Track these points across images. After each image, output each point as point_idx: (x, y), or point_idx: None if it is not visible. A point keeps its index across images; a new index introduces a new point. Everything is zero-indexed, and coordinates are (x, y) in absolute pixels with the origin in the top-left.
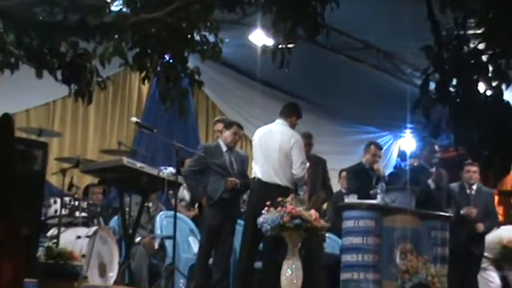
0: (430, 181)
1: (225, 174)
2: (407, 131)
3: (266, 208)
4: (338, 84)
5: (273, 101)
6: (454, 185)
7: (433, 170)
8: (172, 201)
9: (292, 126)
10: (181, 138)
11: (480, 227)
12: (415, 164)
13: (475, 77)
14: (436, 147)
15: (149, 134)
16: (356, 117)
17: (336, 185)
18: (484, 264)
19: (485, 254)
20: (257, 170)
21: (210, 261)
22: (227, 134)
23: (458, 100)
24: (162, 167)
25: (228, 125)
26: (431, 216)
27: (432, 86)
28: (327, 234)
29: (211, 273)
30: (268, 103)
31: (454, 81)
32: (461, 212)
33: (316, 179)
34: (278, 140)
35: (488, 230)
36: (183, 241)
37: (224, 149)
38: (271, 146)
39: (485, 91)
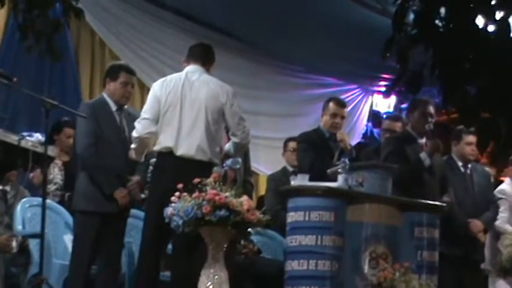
0: (423, 155)
1: (122, 147)
2: (383, 83)
3: (177, 193)
4: (283, 16)
5: (190, 38)
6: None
7: (423, 140)
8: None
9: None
10: (54, 92)
11: (477, 226)
12: (396, 131)
13: (472, 5)
14: (431, 107)
15: (6, 85)
16: (310, 64)
17: (281, 161)
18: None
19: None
20: (166, 140)
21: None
22: (113, 85)
23: (447, 38)
24: (25, 133)
25: (112, 72)
26: (415, 207)
27: (411, 18)
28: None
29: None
30: (183, 41)
31: (442, 11)
32: (445, 198)
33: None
34: (202, 94)
35: (489, 226)
36: (56, 241)
37: (113, 107)
38: (193, 104)
39: (485, 25)
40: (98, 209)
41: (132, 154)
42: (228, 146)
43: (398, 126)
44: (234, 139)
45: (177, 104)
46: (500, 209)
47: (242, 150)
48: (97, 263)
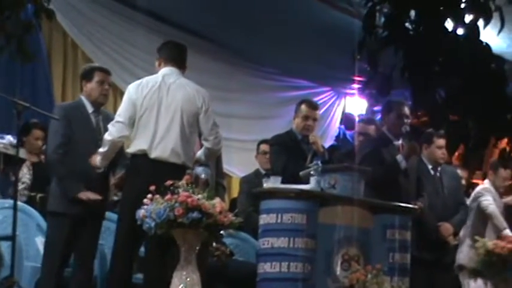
0: (399, 157)
1: (97, 150)
2: (356, 86)
3: (150, 196)
4: (256, 18)
5: (162, 40)
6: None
7: (399, 142)
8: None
9: None
10: (26, 93)
11: (447, 229)
12: (370, 134)
13: (442, 9)
14: (406, 109)
15: None
16: (283, 66)
17: (254, 163)
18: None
19: (460, 261)
20: (141, 142)
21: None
22: (90, 86)
23: (416, 41)
24: None
25: (87, 73)
26: (387, 209)
27: (382, 21)
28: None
29: None
30: (156, 43)
31: (412, 15)
32: (419, 204)
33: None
34: (179, 97)
35: (459, 228)
36: (28, 244)
37: (90, 109)
38: (169, 107)
39: (455, 29)
40: (66, 211)
41: (97, 159)
42: (199, 153)
43: (372, 129)
44: (205, 144)
45: (153, 107)
46: (486, 201)
47: (213, 157)
48: (71, 265)
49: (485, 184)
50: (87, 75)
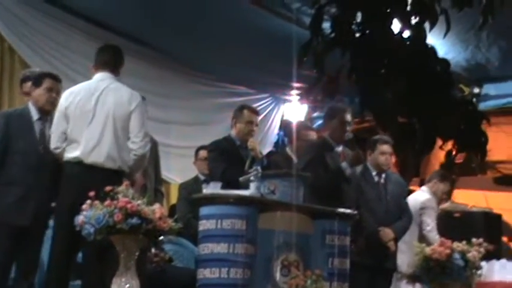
0: (344, 164)
1: (37, 158)
2: (294, 92)
3: (89, 201)
4: (195, 24)
5: (100, 45)
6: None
7: (341, 148)
8: None
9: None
10: None
11: (388, 234)
12: (312, 138)
13: (388, 11)
14: (349, 116)
15: None
16: (221, 72)
17: (192, 169)
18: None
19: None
20: (76, 149)
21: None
22: (37, 92)
23: (363, 44)
24: None
25: (36, 79)
26: (326, 215)
27: (328, 24)
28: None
29: None
30: (95, 49)
31: (358, 17)
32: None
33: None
34: (111, 102)
35: (401, 234)
36: None
37: (35, 116)
38: (101, 113)
39: (401, 31)
40: (6, 220)
41: None
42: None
43: (312, 134)
44: (131, 146)
45: (87, 114)
46: (429, 220)
47: (140, 166)
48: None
49: (427, 193)
50: (36, 81)
